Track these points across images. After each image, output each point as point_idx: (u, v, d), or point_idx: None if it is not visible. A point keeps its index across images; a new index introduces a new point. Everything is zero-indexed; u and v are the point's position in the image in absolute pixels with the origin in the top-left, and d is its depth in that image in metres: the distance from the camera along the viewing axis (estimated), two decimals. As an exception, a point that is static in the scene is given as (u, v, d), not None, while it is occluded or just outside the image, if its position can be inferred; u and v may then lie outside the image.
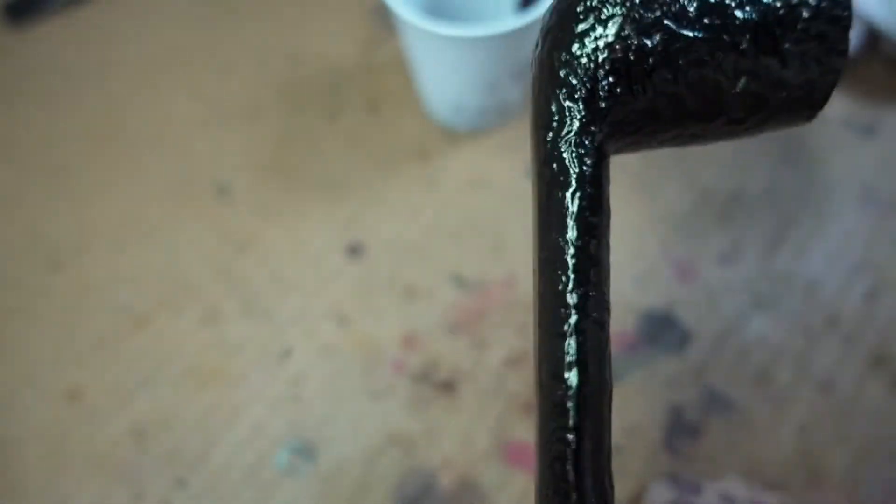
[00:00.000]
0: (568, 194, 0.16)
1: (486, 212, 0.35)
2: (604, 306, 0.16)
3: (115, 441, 0.31)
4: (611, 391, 0.16)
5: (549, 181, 0.16)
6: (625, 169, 0.36)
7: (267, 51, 0.41)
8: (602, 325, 0.16)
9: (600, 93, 0.16)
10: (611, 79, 0.16)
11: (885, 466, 0.29)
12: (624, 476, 0.29)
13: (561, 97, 0.16)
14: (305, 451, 0.30)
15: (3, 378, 0.32)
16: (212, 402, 0.31)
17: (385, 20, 0.41)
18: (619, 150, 0.17)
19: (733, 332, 0.32)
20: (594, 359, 0.16)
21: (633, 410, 0.30)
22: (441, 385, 0.31)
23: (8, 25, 0.42)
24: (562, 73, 0.16)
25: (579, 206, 0.16)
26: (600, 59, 0.16)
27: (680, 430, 0.30)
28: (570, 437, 0.15)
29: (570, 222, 0.16)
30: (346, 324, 0.33)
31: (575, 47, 0.16)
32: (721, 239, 0.34)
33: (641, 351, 0.31)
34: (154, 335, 0.33)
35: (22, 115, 0.39)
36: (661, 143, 0.17)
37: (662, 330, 0.32)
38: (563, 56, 0.16)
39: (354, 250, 0.34)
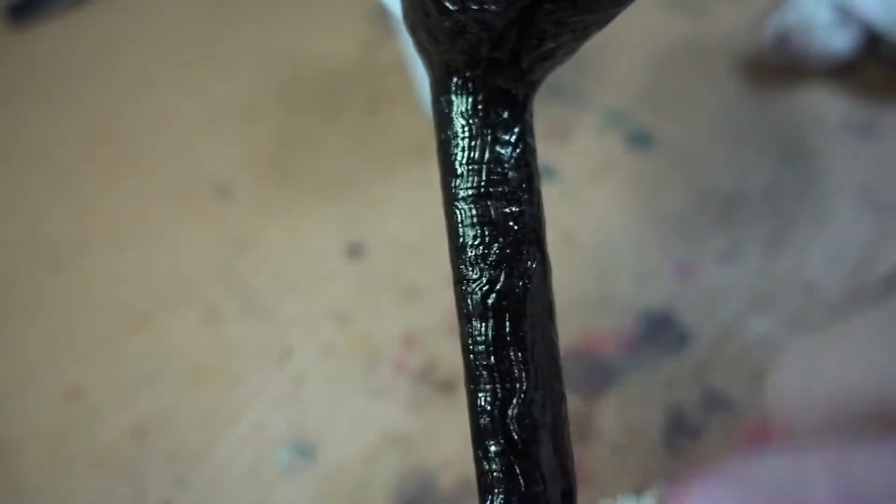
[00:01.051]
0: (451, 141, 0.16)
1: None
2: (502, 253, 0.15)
3: (116, 440, 0.31)
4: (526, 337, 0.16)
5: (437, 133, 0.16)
6: (625, 169, 0.36)
7: (267, 51, 0.41)
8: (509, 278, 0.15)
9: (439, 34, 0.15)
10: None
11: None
12: (624, 475, 0.29)
13: (421, 59, 0.16)
14: (305, 451, 0.30)
15: (4, 378, 0.32)
16: (212, 401, 0.31)
17: (385, 20, 0.41)
18: (525, 72, 0.16)
19: (733, 332, 0.32)
20: (478, 311, 0.15)
21: (633, 410, 0.30)
22: (441, 385, 0.31)
23: (9, 26, 0.42)
24: (412, 35, 0.16)
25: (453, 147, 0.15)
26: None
27: (680, 430, 0.30)
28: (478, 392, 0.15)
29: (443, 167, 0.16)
30: (346, 324, 0.33)
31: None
32: (721, 239, 0.34)
33: (641, 351, 0.31)
34: (154, 335, 0.33)
35: (22, 115, 0.39)
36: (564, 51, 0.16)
37: (662, 330, 0.32)
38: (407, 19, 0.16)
39: (354, 250, 0.34)
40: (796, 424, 0.14)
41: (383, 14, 0.41)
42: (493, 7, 0.14)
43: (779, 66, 0.38)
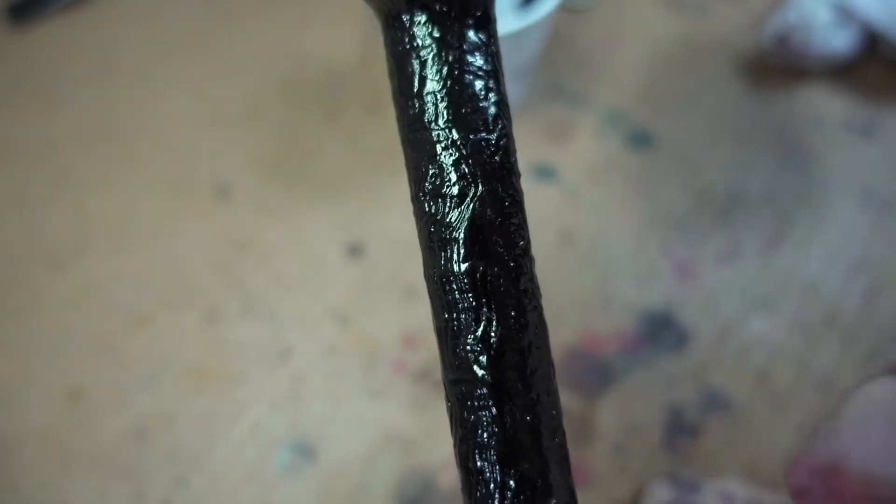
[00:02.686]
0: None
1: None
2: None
3: (116, 440, 0.31)
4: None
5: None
6: (625, 169, 0.36)
7: (267, 51, 0.41)
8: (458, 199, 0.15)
9: None
10: None
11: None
12: (624, 475, 0.29)
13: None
14: (305, 451, 0.30)
15: (4, 378, 0.32)
16: (212, 401, 0.31)
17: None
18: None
19: (733, 332, 0.32)
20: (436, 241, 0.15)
21: (633, 410, 0.30)
22: (441, 385, 0.31)
23: (9, 26, 0.42)
24: None
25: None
26: None
27: (679, 430, 0.30)
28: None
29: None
30: (346, 324, 0.33)
31: None
32: (721, 239, 0.34)
33: (641, 351, 0.31)
34: (154, 335, 0.33)
35: (22, 115, 0.39)
36: None
37: (662, 330, 0.32)
38: None
39: (354, 250, 0.34)
40: (875, 474, 0.13)
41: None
42: None
43: (779, 66, 0.38)
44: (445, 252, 0.15)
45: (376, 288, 0.33)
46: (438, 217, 0.15)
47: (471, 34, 0.15)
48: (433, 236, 0.15)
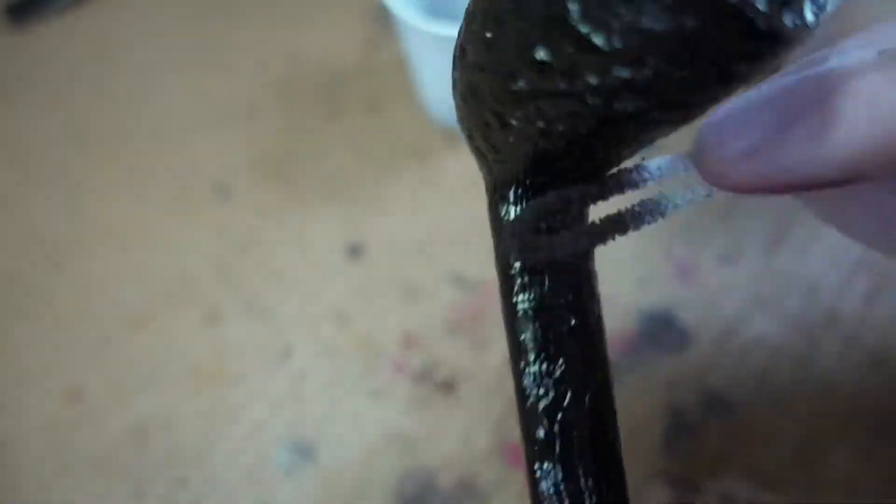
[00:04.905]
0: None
1: (486, 211, 0.35)
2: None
3: (116, 441, 0.31)
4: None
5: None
6: (625, 169, 0.36)
7: (267, 51, 0.41)
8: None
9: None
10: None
11: (885, 467, 0.29)
12: (624, 476, 0.29)
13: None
14: (305, 451, 0.30)
15: (4, 378, 0.32)
16: (212, 401, 0.31)
17: (385, 20, 0.41)
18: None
19: (733, 332, 0.32)
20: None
21: (633, 410, 0.30)
22: (441, 385, 0.31)
23: (9, 25, 0.42)
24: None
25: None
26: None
27: (680, 430, 0.30)
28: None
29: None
30: (346, 324, 0.33)
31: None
32: (721, 239, 0.34)
33: (641, 351, 0.31)
34: (154, 335, 0.33)
35: (22, 115, 0.39)
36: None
37: (662, 330, 0.32)
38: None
39: (354, 250, 0.34)
40: None
41: (383, 14, 0.41)
42: (561, 127, 0.13)
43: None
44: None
45: (376, 288, 0.33)
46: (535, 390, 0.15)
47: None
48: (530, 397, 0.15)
